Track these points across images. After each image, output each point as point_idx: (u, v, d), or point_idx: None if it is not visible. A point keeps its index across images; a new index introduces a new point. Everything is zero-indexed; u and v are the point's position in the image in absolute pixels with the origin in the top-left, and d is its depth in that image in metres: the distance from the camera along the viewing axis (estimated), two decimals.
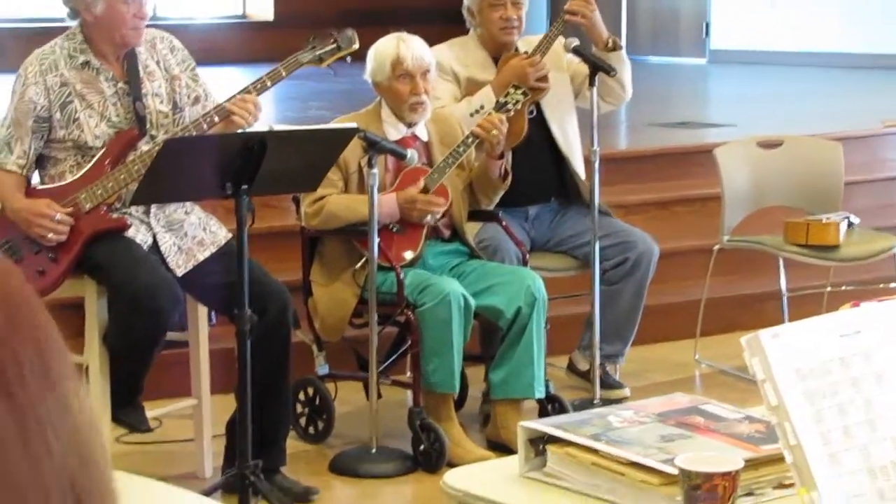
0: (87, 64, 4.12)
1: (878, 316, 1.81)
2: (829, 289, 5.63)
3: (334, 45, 4.18)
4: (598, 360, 4.83)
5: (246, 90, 4.06)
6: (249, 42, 12.14)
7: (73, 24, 4.16)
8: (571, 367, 5.19)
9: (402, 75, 4.49)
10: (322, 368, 4.63)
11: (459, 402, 4.68)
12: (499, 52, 4.92)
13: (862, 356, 1.80)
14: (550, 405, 4.58)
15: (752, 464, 2.05)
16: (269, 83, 4.11)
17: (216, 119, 4.06)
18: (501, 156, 4.56)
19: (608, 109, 5.14)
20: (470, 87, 4.88)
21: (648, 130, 7.58)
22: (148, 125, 4.13)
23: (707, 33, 12.11)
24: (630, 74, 5.03)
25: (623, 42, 5.18)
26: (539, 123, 4.96)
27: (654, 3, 12.53)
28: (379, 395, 4.43)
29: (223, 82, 9.68)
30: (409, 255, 4.50)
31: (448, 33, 5.11)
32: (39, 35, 4.30)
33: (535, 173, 4.96)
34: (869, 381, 1.79)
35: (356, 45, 4.24)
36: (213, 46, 11.36)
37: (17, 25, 10.93)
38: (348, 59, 4.25)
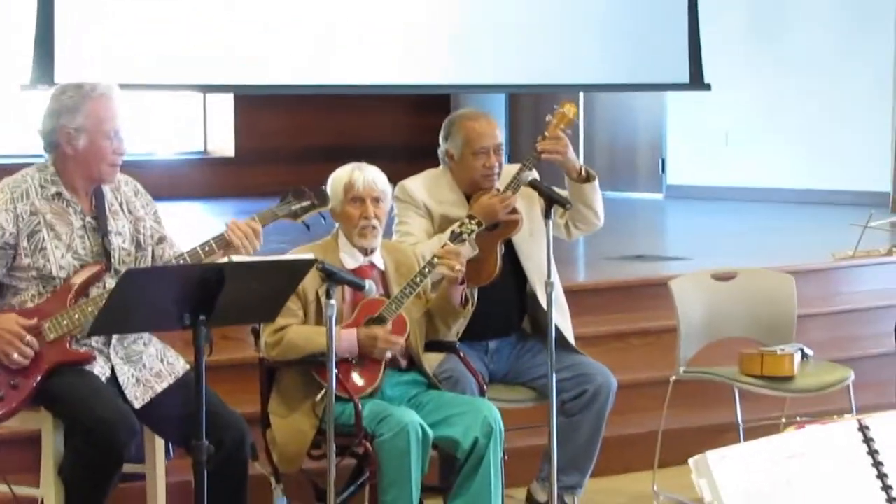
0: (58, 195, 4.17)
1: (822, 438, 1.84)
2: (784, 420, 5.67)
3: (309, 203, 4.29)
4: (556, 492, 4.82)
5: (219, 239, 4.12)
6: (210, 177, 12.25)
7: (41, 159, 4.21)
8: (530, 499, 5.18)
9: (354, 199, 4.57)
10: (280, 501, 4.61)
11: None
12: (474, 190, 4.99)
13: (807, 478, 1.83)
14: None
15: None
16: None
17: (215, 247, 4.11)
18: (463, 281, 4.60)
19: (580, 235, 5.22)
20: (443, 224, 4.91)
21: (605, 264, 7.65)
22: (112, 260, 4.17)
23: (663, 169, 12.30)
24: (601, 202, 5.12)
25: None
26: (508, 258, 5.00)
27: (611, 140, 12.73)
28: None
29: (185, 217, 9.77)
30: (368, 387, 4.51)
31: (411, 169, 5.16)
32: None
33: (498, 307, 4.99)
34: (814, 501, 1.82)
35: (331, 204, 4.40)
36: (174, 182, 11.45)
37: None
38: (323, 218, 4.38)
